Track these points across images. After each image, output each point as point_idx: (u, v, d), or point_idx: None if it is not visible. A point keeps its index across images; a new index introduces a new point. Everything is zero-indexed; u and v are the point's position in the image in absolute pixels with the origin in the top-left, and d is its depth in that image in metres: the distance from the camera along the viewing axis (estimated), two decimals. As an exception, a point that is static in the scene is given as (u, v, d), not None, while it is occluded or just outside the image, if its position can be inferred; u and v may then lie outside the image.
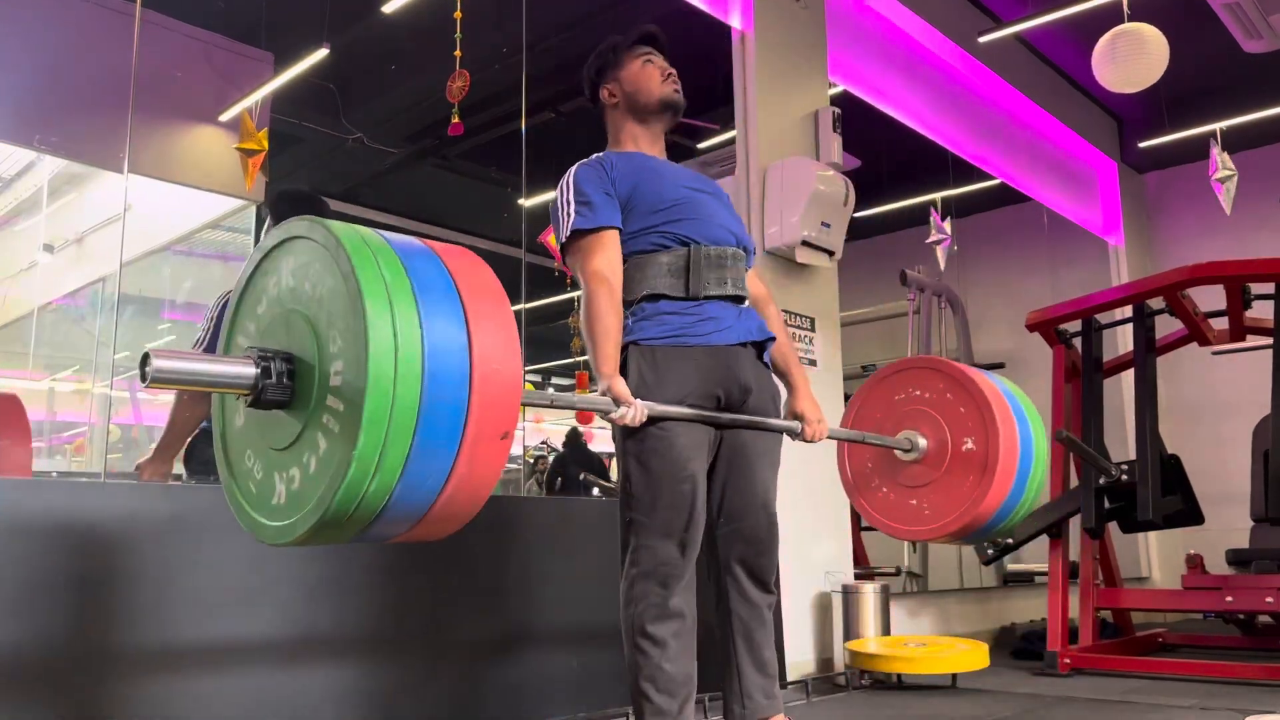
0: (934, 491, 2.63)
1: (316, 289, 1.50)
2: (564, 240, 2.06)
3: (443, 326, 1.45)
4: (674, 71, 2.19)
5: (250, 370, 1.48)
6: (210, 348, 2.99)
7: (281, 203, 3.13)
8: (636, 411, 1.89)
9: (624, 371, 2.01)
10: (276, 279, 1.59)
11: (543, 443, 9.02)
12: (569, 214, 2.04)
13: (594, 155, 2.17)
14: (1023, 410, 2.65)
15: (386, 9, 4.96)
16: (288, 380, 1.50)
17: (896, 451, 2.70)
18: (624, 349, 2.04)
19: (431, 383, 1.41)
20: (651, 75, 2.16)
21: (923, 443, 2.65)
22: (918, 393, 2.69)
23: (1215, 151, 5.09)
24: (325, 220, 1.52)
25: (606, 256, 2.02)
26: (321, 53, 4.80)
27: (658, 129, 2.22)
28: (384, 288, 1.42)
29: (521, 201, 5.54)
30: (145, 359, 1.41)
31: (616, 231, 2.05)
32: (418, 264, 1.50)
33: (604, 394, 1.92)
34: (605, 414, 1.90)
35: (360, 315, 1.39)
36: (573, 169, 2.12)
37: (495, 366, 1.47)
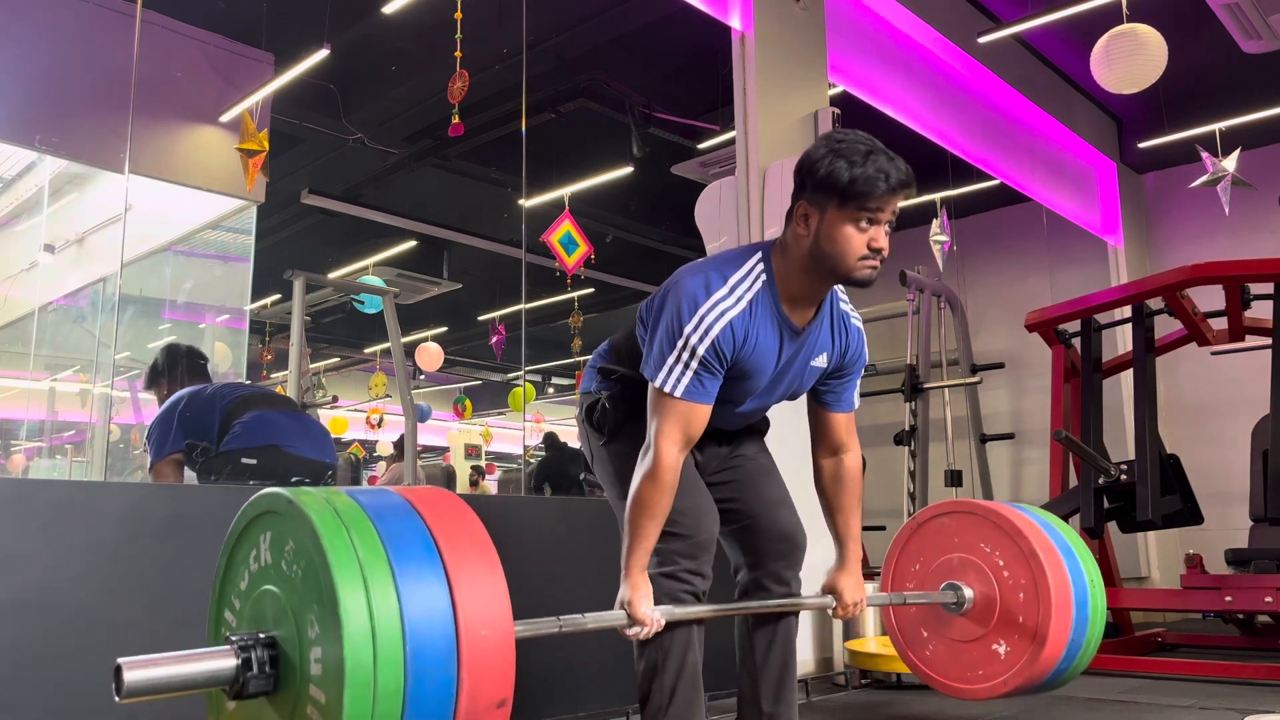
0: (983, 647, 2.44)
1: (292, 567, 1.41)
2: (658, 387, 1.77)
3: (423, 598, 1.36)
4: (885, 247, 1.77)
5: (230, 663, 1.38)
6: (162, 449, 2.95)
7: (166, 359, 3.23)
8: (654, 627, 1.74)
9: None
10: (256, 552, 1.50)
11: (544, 441, 9.00)
12: (680, 365, 1.75)
13: (728, 294, 1.77)
14: (1073, 550, 2.46)
15: (386, 9, 4.96)
16: (270, 669, 1.40)
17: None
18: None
19: (415, 662, 1.32)
20: (856, 248, 1.75)
21: (969, 593, 2.45)
22: (959, 540, 2.50)
23: (1207, 158, 5.09)
24: (293, 492, 1.44)
25: (697, 429, 1.80)
26: (322, 53, 4.80)
27: (825, 292, 1.87)
28: (357, 565, 1.33)
29: (521, 201, 5.54)
30: (118, 672, 1.27)
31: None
32: (393, 527, 1.41)
33: (621, 603, 1.74)
34: (619, 629, 1.73)
35: (333, 601, 1.31)
36: (705, 309, 1.75)
37: (485, 632, 1.39)
